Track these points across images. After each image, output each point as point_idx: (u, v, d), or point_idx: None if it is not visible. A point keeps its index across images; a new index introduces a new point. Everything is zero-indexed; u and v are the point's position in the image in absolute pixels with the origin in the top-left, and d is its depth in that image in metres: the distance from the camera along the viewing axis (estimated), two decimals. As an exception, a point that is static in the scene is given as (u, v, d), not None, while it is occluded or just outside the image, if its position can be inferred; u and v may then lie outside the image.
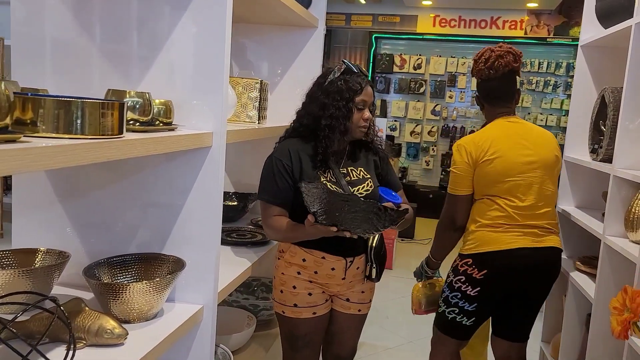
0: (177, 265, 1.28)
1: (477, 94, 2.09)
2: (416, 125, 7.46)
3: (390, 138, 5.78)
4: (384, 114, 7.47)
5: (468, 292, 1.92)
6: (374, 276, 1.76)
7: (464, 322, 1.96)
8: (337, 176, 1.70)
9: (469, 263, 1.93)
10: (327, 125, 1.65)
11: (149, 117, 1.12)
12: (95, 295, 1.17)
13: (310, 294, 1.75)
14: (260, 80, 1.79)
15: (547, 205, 1.95)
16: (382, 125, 4.80)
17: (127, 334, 1.08)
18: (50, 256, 1.28)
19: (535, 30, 7.01)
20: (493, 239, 1.90)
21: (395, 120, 7.53)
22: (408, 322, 3.49)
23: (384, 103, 7.48)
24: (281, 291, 1.73)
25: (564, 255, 2.24)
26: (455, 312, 1.97)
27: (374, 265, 1.75)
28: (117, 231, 1.34)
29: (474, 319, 1.96)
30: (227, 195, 2.34)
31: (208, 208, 1.30)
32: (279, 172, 1.65)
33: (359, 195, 1.68)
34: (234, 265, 1.65)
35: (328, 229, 1.48)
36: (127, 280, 1.28)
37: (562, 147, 2.19)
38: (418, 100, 7.46)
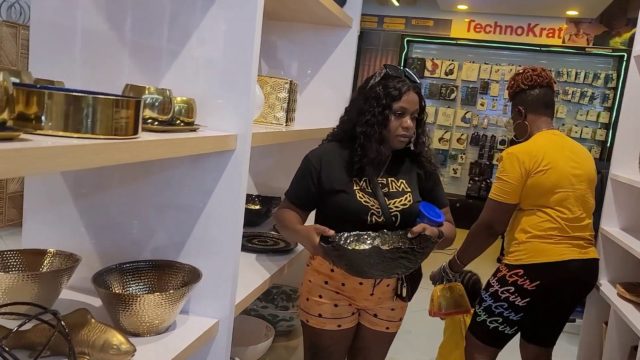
0: (193, 275, 1.20)
1: (518, 106, 2.07)
2: (445, 132, 7.29)
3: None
4: (412, 119, 7.31)
5: (516, 303, 1.91)
6: (404, 295, 1.65)
7: (506, 332, 1.96)
8: (373, 186, 1.60)
9: (519, 274, 1.91)
10: (363, 132, 1.57)
11: (169, 116, 1.03)
12: (104, 304, 1.09)
13: (336, 305, 1.65)
14: (290, 81, 1.70)
15: (589, 217, 1.96)
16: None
17: (135, 350, 1.00)
18: (60, 258, 1.21)
19: (573, 39, 6.78)
20: (546, 250, 1.90)
21: (423, 126, 7.36)
22: (430, 337, 3.35)
23: (413, 108, 7.32)
24: (307, 299, 1.67)
25: (604, 280, 2.10)
26: (499, 321, 1.95)
27: (405, 284, 1.63)
28: (132, 234, 1.26)
29: (516, 327, 1.96)
30: (249, 198, 2.26)
31: (229, 215, 1.21)
32: (305, 173, 1.63)
33: (395, 210, 1.59)
34: (254, 275, 1.56)
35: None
36: (139, 289, 1.20)
37: (596, 160, 2.11)
38: (448, 107, 7.28)
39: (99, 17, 1.21)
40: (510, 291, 1.91)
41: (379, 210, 1.59)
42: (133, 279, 1.21)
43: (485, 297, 1.99)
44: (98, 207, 1.27)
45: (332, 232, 1.45)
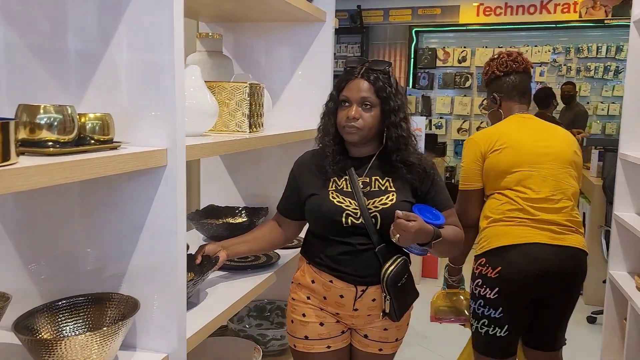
0: (130, 307, 1.09)
1: (492, 93, 2.01)
2: (463, 122, 7.06)
3: (432, 137, 5.43)
4: (428, 112, 7.11)
5: (488, 296, 1.80)
6: (387, 310, 1.47)
7: (498, 334, 1.81)
8: (353, 185, 1.49)
9: (482, 263, 1.83)
10: (319, 127, 1.57)
11: (73, 136, 0.92)
12: (28, 352, 0.99)
13: (322, 324, 1.54)
14: (250, 84, 1.57)
15: (568, 201, 1.82)
16: (421, 124, 4.49)
17: (52, 401, 0.89)
18: (-10, 300, 1.11)
19: (590, 12, 6.45)
20: (504, 233, 1.80)
21: (440, 118, 7.15)
22: (449, 342, 3.17)
23: (427, 100, 7.12)
24: (292, 321, 1.59)
25: (622, 272, 1.90)
26: (486, 324, 1.83)
27: (388, 298, 1.46)
28: (70, 267, 1.16)
29: (506, 327, 1.80)
30: (234, 211, 2.15)
31: (168, 238, 1.10)
32: (289, 182, 1.65)
33: (374, 210, 1.47)
34: (224, 297, 1.43)
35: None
36: (77, 328, 1.10)
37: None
38: (464, 95, 7.05)
39: (14, 32, 1.11)
40: (479, 284, 1.83)
41: (357, 211, 1.46)
42: (70, 316, 1.10)
43: (471, 301, 1.87)
44: (32, 240, 1.17)
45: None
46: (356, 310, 1.51)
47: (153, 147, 1.05)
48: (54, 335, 1.05)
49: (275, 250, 1.85)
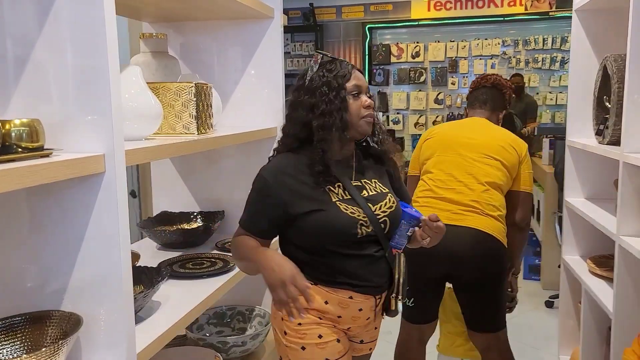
0: (73, 323, 1.02)
1: (464, 106, 2.34)
2: (420, 116, 7.13)
3: (390, 132, 5.46)
4: (385, 108, 7.16)
5: None
6: (393, 308, 1.47)
7: (407, 304, 2.04)
8: (350, 191, 1.40)
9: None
10: (320, 125, 1.36)
11: (-5, 145, 0.85)
12: (-42, 378, 0.92)
13: (338, 341, 1.41)
14: (196, 84, 1.52)
15: (478, 185, 1.94)
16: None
17: None
18: None
19: (535, 5, 6.62)
20: None
21: (397, 113, 7.21)
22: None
23: (383, 96, 7.16)
24: (302, 348, 1.36)
25: (575, 256, 1.94)
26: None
27: (400, 298, 1.45)
28: (5, 285, 1.08)
29: (413, 299, 2.03)
30: (188, 217, 2.09)
31: (110, 249, 1.04)
32: (262, 195, 1.39)
33: (382, 216, 1.42)
34: (179, 307, 1.38)
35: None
36: (15, 350, 1.02)
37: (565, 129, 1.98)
38: (420, 90, 7.12)
39: None
40: None
41: (366, 219, 1.38)
42: (6, 339, 1.03)
43: None
44: (-37, 258, 1.09)
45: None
46: (368, 319, 1.45)
47: (89, 154, 0.99)
48: (-11, 360, 0.98)
49: (229, 254, 1.80)
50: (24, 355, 0.91)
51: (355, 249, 1.38)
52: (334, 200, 1.37)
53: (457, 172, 1.99)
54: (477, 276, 1.95)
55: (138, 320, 1.28)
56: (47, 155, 0.95)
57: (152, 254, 1.87)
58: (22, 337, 1.04)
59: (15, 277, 1.07)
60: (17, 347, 1.03)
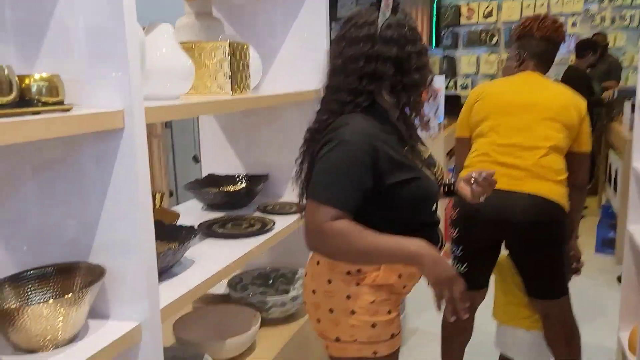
0: (97, 275, 1.06)
1: (519, 50, 2.02)
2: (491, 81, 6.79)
3: (454, 98, 5.25)
4: (453, 72, 6.87)
5: (452, 235, 2.01)
6: None
7: (459, 269, 1.99)
8: (422, 154, 1.32)
9: (450, 206, 2.04)
10: (414, 83, 1.22)
11: (11, 97, 0.87)
12: (-9, 322, 0.97)
13: (399, 314, 1.35)
14: (230, 42, 1.50)
15: (538, 150, 1.84)
16: (440, 84, 4.31)
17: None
18: (-40, 272, 1.10)
19: (625, -45, 6.02)
20: None
21: (466, 78, 6.90)
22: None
23: (451, 60, 6.87)
24: (373, 325, 1.25)
25: (640, 225, 1.78)
26: (453, 258, 2.03)
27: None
28: (38, 236, 1.13)
29: (466, 264, 1.98)
30: (235, 179, 2.11)
31: (131, 204, 1.05)
32: (359, 163, 1.16)
33: (439, 178, 1.38)
34: (210, 265, 1.40)
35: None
36: (45, 298, 1.08)
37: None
38: (491, 53, 6.76)
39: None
40: (449, 224, 2.03)
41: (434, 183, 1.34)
42: (40, 286, 1.08)
43: None
44: (4, 212, 1.15)
45: None
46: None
47: (107, 109, 1.00)
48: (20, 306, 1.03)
49: (270, 217, 1.81)
50: (51, 300, 0.94)
51: (432, 216, 1.34)
52: (420, 167, 1.27)
53: (515, 135, 1.88)
54: (535, 242, 1.87)
55: (170, 276, 1.31)
56: (67, 110, 0.96)
57: (196, 215, 1.91)
58: (53, 285, 1.08)
59: (46, 231, 1.12)
60: (49, 294, 1.08)
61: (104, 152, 1.04)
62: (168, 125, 4.44)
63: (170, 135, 4.52)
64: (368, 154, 1.16)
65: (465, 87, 6.84)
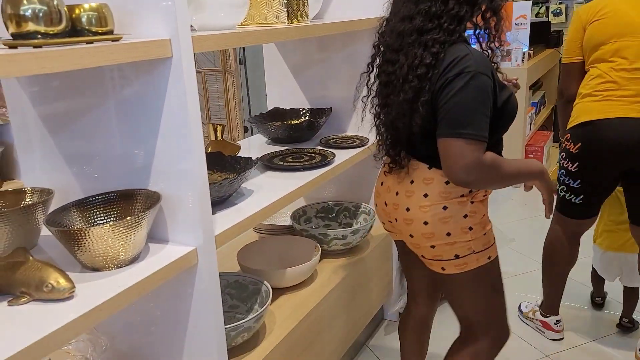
0: (154, 200, 1.10)
1: None
2: (587, 7, 6.15)
3: (542, 25, 4.82)
4: (544, -2, 6.28)
5: (569, 169, 1.89)
6: None
7: (572, 200, 1.92)
8: None
9: (567, 138, 1.90)
10: (499, 6, 1.23)
11: (62, 27, 0.90)
12: (61, 243, 1.05)
13: None
14: (286, -31, 1.44)
15: None
16: (526, 10, 3.97)
17: (73, 287, 0.94)
18: (36, 195, 1.20)
19: None
20: (590, 109, 1.80)
21: (560, 3, 6.29)
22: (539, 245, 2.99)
23: (543, -16, 6.26)
24: (485, 234, 1.32)
25: None
26: (564, 190, 1.94)
27: None
28: (102, 165, 1.20)
29: (582, 197, 1.90)
30: (299, 113, 2.10)
31: (182, 133, 1.07)
32: (488, 95, 1.17)
33: None
34: (264, 196, 1.42)
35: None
36: (108, 220, 1.15)
37: None
38: (589, -25, 6.09)
39: None
40: (563, 157, 1.91)
41: None
42: (105, 210, 1.15)
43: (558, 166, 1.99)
44: (69, 139, 1.22)
45: None
46: None
47: (150, 38, 1.01)
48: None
49: (331, 150, 1.79)
50: (112, 222, 1.00)
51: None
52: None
53: None
54: None
55: (228, 205, 1.35)
56: (117, 40, 0.98)
57: (259, 148, 1.93)
58: (116, 210, 1.15)
59: (109, 160, 1.18)
60: (112, 218, 1.15)
61: (156, 81, 1.06)
62: (242, 61, 4.49)
63: (244, 71, 4.57)
64: (491, 82, 1.18)
65: (558, 14, 6.26)
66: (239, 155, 1.60)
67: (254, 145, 1.99)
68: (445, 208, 1.27)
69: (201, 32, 1.22)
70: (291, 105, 2.20)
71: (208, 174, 1.49)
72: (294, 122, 2.06)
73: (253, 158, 1.53)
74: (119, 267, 1.05)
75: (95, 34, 0.96)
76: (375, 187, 1.44)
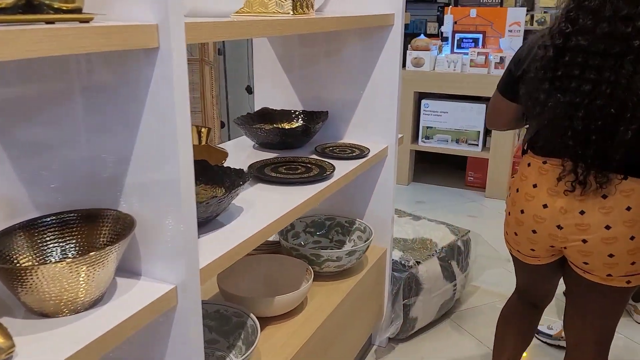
0: (126, 226, 0.88)
1: None
2: (572, 17, 6.10)
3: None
4: (530, 5, 6.22)
5: None
6: None
7: None
8: None
9: None
10: None
11: (11, 0, 0.66)
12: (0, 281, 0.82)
13: None
14: (293, -50, 1.22)
15: None
16: (520, 18, 3.83)
17: (13, 346, 0.71)
18: (-26, 213, 0.95)
19: None
20: None
21: (544, 12, 6.23)
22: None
23: (531, -8, 6.19)
24: None
25: None
26: None
27: None
28: (66, 173, 0.96)
29: None
30: (291, 115, 1.89)
31: (166, 143, 0.85)
32: None
33: None
34: (258, 217, 1.20)
35: None
36: (69, 248, 0.91)
37: None
38: (576, -15, 6.03)
39: None
40: None
41: None
42: (60, 236, 0.91)
43: None
44: (16, 137, 0.98)
45: None
46: None
47: (137, 22, 0.78)
48: (36, 261, 0.87)
49: (329, 161, 1.59)
50: (70, 256, 0.78)
51: None
52: None
53: None
54: None
55: (215, 226, 1.13)
56: (87, 21, 0.75)
57: (247, 154, 1.71)
58: (76, 235, 0.92)
59: (69, 168, 0.94)
60: (71, 246, 0.92)
61: (136, 77, 0.83)
62: (221, 52, 4.22)
63: (223, 62, 4.30)
64: None
65: (542, 23, 6.19)
66: (226, 165, 1.38)
67: (240, 150, 1.76)
68: None
69: (190, 19, 1.00)
70: (282, 105, 1.98)
71: (190, 186, 1.26)
72: (287, 126, 1.85)
73: (240, 166, 1.32)
74: (76, 313, 0.83)
75: (58, 11, 0.73)
76: (525, 211, 1.32)
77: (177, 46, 0.81)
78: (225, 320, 1.33)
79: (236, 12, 1.27)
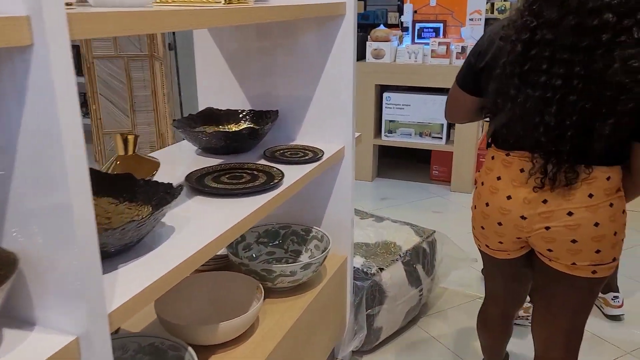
0: (7, 265, 0.71)
1: None
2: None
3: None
4: (490, -5, 6.16)
5: None
6: None
7: None
8: None
9: None
10: None
11: None
12: None
13: None
14: None
15: None
16: (481, 5, 3.74)
17: None
18: None
19: None
20: None
21: (504, 1, 6.19)
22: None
23: (490, -20, 6.13)
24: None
25: None
26: None
27: None
28: None
29: None
30: (237, 116, 1.72)
31: (50, 162, 0.68)
32: None
33: None
34: (190, 239, 1.04)
35: None
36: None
37: None
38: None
39: None
40: None
41: None
42: None
43: None
44: None
45: None
46: None
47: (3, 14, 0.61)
48: None
49: (278, 167, 1.43)
50: None
51: None
52: None
53: None
54: None
55: (136, 253, 0.96)
56: None
57: (187, 161, 1.54)
58: (-51, 281, 0.74)
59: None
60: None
61: (9, 82, 0.66)
62: (172, 47, 4.00)
63: (175, 57, 4.09)
64: None
65: (503, 11, 6.16)
66: (158, 177, 1.21)
67: (181, 156, 1.59)
68: (611, 205, 1.19)
69: (99, 9, 0.83)
70: (228, 104, 1.81)
71: (113, 205, 1.09)
72: (233, 127, 1.68)
73: (178, 176, 1.15)
74: (-57, 383, 0.65)
75: None
76: (490, 204, 1.29)
77: (58, 42, 0.64)
78: (161, 355, 1.17)
79: (159, 2, 1.10)
